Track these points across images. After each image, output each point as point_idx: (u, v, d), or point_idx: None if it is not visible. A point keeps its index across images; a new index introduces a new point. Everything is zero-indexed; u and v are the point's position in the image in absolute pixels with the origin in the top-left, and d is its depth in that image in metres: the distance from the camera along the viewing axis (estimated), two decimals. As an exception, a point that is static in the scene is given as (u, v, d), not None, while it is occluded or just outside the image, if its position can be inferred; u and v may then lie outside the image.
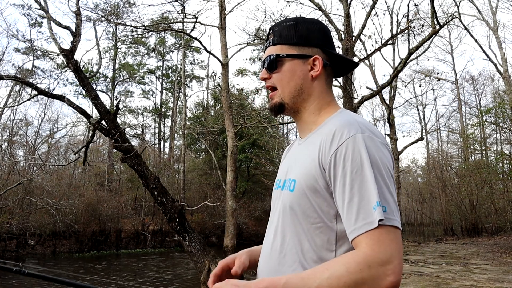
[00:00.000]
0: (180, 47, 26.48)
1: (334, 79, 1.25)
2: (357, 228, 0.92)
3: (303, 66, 1.13)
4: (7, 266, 1.04)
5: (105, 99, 27.37)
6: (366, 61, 14.69)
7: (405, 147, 15.78)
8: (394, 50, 18.48)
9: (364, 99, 10.10)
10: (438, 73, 21.32)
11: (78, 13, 7.32)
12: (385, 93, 15.58)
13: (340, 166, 0.97)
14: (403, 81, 16.85)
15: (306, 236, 1.03)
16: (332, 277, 0.89)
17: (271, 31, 1.19)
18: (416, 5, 10.35)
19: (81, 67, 7.14)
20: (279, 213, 1.11)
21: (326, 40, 1.17)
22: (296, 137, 1.38)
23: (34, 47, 19.60)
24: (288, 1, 11.39)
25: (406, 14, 9.95)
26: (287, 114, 1.19)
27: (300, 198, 1.04)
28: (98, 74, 26.27)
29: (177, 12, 12.77)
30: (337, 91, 11.57)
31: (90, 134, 10.24)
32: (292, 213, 1.06)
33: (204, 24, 11.30)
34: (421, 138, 16.78)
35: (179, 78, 29.84)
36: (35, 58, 24.30)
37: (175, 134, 29.69)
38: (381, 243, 0.89)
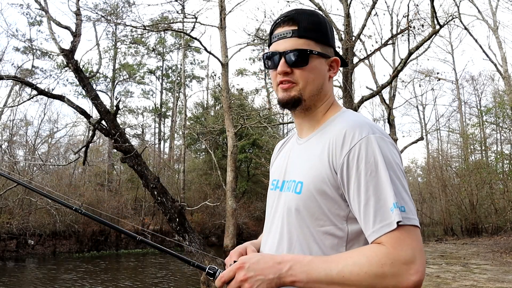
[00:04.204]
0: (180, 47, 26.46)
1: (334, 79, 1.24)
2: (376, 231, 0.92)
3: (324, 66, 1.11)
4: (69, 204, 1.14)
5: (105, 99, 27.37)
6: (366, 61, 14.68)
7: (405, 147, 15.76)
8: (394, 50, 18.47)
9: (364, 99, 10.09)
10: (438, 73, 21.31)
11: (78, 13, 7.31)
12: (385, 93, 15.55)
13: (354, 168, 0.96)
14: (403, 81, 16.83)
15: (315, 239, 1.01)
16: (355, 265, 0.90)
17: (291, 18, 1.08)
18: (416, 5, 10.34)
19: (81, 67, 7.13)
20: (283, 215, 1.08)
21: (334, 40, 1.17)
22: (287, 133, 1.35)
23: (34, 47, 19.60)
24: (288, 1, 11.38)
25: (406, 14, 9.94)
26: (296, 110, 1.13)
27: (308, 201, 1.02)
28: (98, 74, 26.25)
29: (177, 12, 12.78)
30: (337, 91, 11.56)
31: (90, 134, 10.24)
32: (298, 216, 1.03)
33: (204, 24, 11.31)
34: (421, 138, 16.75)
35: (179, 78, 29.82)
36: (35, 57, 24.31)
37: (175, 134, 29.69)
38: (403, 242, 0.89)
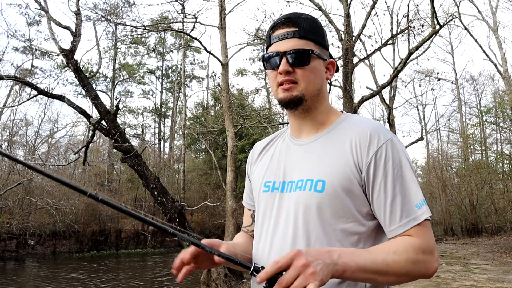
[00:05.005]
0: (180, 47, 26.47)
1: (332, 80, 1.26)
2: (403, 225, 1.00)
3: (322, 67, 1.14)
4: (83, 189, 1.01)
5: (105, 99, 27.37)
6: (366, 61, 14.68)
7: (405, 147, 15.75)
8: (394, 50, 18.47)
9: (364, 99, 10.10)
10: (438, 73, 21.33)
11: (78, 13, 7.32)
12: (385, 93, 15.56)
13: (381, 167, 1.02)
14: (403, 81, 16.85)
15: (337, 236, 1.03)
16: (395, 253, 0.97)
17: (291, 20, 1.11)
18: (416, 5, 10.35)
19: (81, 67, 7.13)
20: (295, 215, 1.06)
21: (328, 45, 1.21)
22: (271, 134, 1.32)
23: (33, 47, 19.61)
24: (288, 1, 11.38)
25: (406, 14, 9.96)
26: (297, 110, 1.13)
27: (332, 199, 1.03)
28: (98, 74, 26.26)
29: (177, 12, 12.81)
30: (337, 91, 11.58)
31: (90, 134, 10.24)
32: (320, 214, 1.03)
33: (204, 24, 11.30)
34: (421, 138, 16.74)
35: (179, 78, 29.83)
36: (34, 57, 24.32)
37: (175, 134, 29.70)
38: (426, 234, 1.00)
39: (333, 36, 10.20)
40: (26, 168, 19.27)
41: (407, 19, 9.90)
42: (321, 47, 1.13)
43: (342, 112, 1.20)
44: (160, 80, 33.38)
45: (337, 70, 1.25)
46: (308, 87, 1.10)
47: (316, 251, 0.92)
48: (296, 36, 1.09)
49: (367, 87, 24.53)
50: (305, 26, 1.10)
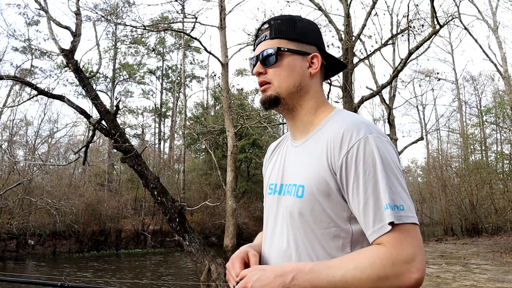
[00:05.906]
0: (180, 47, 26.48)
1: (332, 80, 1.25)
2: (376, 230, 0.92)
3: (302, 63, 1.11)
4: (51, 282, 1.02)
5: (105, 99, 27.39)
6: (366, 61, 14.69)
7: (405, 147, 15.77)
8: (394, 50, 18.50)
9: (364, 99, 10.10)
10: (438, 73, 21.34)
11: (78, 13, 7.31)
12: (385, 93, 15.59)
13: (352, 169, 0.96)
14: (403, 81, 16.90)
15: (320, 242, 1.01)
16: (357, 269, 0.90)
17: (267, 25, 1.14)
18: (416, 5, 10.36)
19: (81, 67, 7.13)
20: (286, 220, 1.07)
21: (321, 40, 1.17)
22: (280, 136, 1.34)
23: (33, 47, 19.63)
24: (288, 1, 11.39)
25: (406, 14, 9.96)
26: (280, 110, 1.14)
27: (311, 204, 1.01)
28: (98, 74, 26.25)
29: (177, 12, 12.81)
30: (337, 91, 11.58)
31: (90, 134, 10.24)
32: (302, 219, 1.03)
33: (204, 24, 11.33)
34: (421, 138, 16.76)
35: (179, 78, 29.83)
36: (34, 57, 24.31)
37: (175, 134, 29.70)
38: (403, 241, 0.90)
39: (333, 36, 10.22)
40: (26, 168, 19.30)
41: (407, 19, 9.90)
42: (300, 42, 1.11)
43: (335, 108, 1.16)
44: (160, 80, 33.39)
45: (343, 68, 1.22)
46: (282, 85, 1.09)
47: (264, 281, 0.95)
48: (267, 38, 1.12)
49: (367, 87, 24.53)
50: (277, 26, 1.12)
